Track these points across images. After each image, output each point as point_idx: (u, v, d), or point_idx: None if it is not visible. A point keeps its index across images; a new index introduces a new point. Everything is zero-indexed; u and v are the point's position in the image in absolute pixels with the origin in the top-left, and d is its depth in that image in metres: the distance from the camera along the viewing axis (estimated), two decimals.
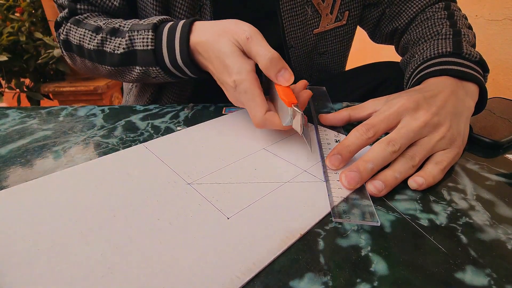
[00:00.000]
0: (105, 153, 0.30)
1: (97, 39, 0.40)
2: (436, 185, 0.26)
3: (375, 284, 0.17)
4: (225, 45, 0.30)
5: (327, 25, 0.49)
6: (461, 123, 0.29)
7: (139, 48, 0.37)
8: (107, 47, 0.40)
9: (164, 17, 0.38)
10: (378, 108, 0.32)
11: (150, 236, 0.20)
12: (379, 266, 0.18)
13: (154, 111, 0.41)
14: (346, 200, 0.24)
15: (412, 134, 0.26)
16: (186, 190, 0.25)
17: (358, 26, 0.55)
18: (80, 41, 0.42)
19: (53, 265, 0.18)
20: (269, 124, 0.29)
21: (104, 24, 0.41)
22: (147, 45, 0.36)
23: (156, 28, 0.37)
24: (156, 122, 0.38)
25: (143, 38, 0.37)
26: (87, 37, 0.41)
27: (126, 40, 0.38)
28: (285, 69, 0.29)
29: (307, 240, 0.20)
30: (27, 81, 1.72)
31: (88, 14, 0.44)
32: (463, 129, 0.29)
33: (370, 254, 0.19)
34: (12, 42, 1.55)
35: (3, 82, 1.68)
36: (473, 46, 0.38)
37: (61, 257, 0.18)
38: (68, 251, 0.19)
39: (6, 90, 1.69)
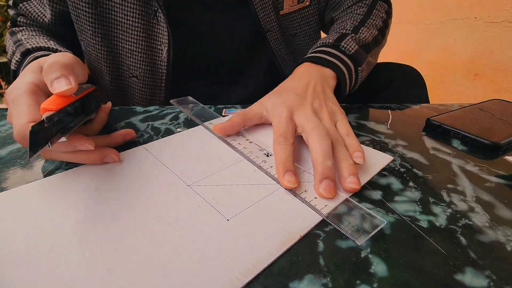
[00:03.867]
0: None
1: (10, 53, 0.44)
2: (435, 187, 0.26)
3: (375, 285, 0.17)
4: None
5: (291, 6, 0.49)
6: (331, 97, 0.36)
7: (13, 67, 0.42)
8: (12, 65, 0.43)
9: (43, 45, 0.41)
10: (265, 113, 0.34)
11: (150, 238, 0.20)
12: (378, 267, 0.18)
13: (154, 112, 0.41)
14: (339, 216, 0.22)
15: (317, 119, 0.30)
16: (186, 192, 0.25)
17: None
18: (8, 49, 0.46)
19: (53, 266, 0.18)
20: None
21: (22, 38, 0.44)
22: (14, 66, 0.41)
23: (27, 53, 0.40)
24: (156, 123, 0.38)
25: (15, 60, 0.41)
26: (9, 49, 0.45)
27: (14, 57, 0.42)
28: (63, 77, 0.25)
29: (306, 241, 0.20)
30: None
31: (24, 27, 0.47)
32: (334, 101, 0.35)
33: (369, 255, 0.19)
34: None
35: (3, 84, 1.67)
36: (362, 43, 0.43)
37: (61, 259, 0.18)
38: (68, 252, 0.19)
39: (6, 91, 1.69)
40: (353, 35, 0.43)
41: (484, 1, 1.01)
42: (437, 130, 0.37)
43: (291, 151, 0.27)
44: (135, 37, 0.46)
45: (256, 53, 0.56)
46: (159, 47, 0.47)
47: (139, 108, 0.43)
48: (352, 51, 0.41)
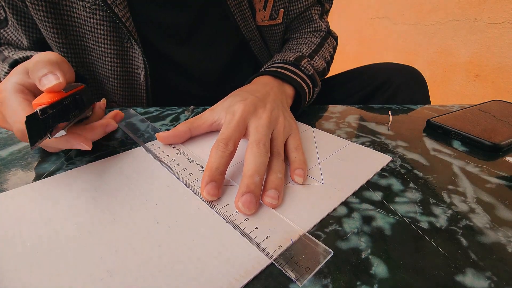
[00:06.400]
0: (105, 156, 0.30)
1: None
2: (436, 188, 0.26)
3: (375, 286, 0.17)
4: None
5: (262, 20, 0.49)
6: (288, 111, 0.35)
7: (2, 79, 0.42)
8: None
9: (30, 55, 0.41)
10: (217, 118, 0.32)
11: (149, 239, 0.20)
12: (379, 268, 0.18)
13: (154, 113, 0.41)
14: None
15: (267, 130, 0.29)
16: (185, 194, 0.25)
17: None
18: None
19: (52, 268, 0.18)
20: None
21: (10, 54, 0.44)
22: (3, 77, 0.41)
23: (15, 64, 0.40)
24: (157, 124, 0.38)
25: (4, 72, 0.42)
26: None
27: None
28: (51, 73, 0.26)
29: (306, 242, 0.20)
30: None
31: (8, 46, 0.46)
32: (291, 116, 0.35)
33: (370, 256, 0.19)
34: None
35: None
36: (315, 69, 0.45)
37: (61, 260, 0.18)
38: (68, 254, 0.19)
39: None
40: (309, 59, 0.44)
41: (484, 2, 1.01)
42: (437, 131, 0.37)
43: (226, 160, 0.25)
44: (110, 63, 0.45)
45: (242, 62, 0.56)
46: (136, 71, 0.47)
47: (139, 109, 0.43)
48: (311, 72, 0.43)
